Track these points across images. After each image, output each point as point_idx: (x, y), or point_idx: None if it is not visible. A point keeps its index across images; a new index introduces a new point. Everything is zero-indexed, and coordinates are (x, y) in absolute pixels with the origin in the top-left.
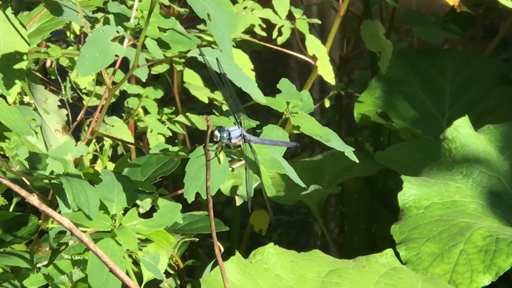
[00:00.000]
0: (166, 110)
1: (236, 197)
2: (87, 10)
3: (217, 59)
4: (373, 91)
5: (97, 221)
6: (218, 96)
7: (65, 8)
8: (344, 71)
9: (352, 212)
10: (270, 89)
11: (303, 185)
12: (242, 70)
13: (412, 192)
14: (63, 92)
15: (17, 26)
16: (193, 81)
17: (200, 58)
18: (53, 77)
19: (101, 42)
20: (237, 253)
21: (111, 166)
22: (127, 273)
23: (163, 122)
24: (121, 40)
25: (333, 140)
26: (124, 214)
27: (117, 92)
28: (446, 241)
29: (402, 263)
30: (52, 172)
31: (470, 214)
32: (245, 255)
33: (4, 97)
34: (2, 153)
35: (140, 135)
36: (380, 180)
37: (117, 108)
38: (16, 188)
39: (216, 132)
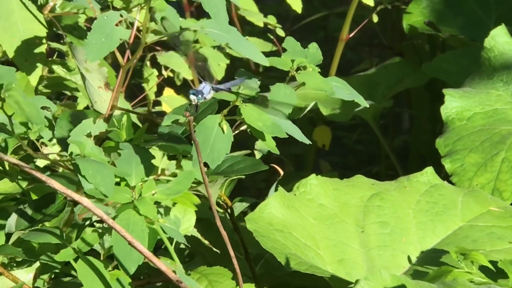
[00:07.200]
0: None
1: (255, 152)
2: None
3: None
4: (420, 1)
5: (118, 194)
6: (271, 20)
7: None
8: None
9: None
10: None
11: (308, 142)
12: (243, 37)
13: (454, 104)
14: None
15: (34, 12)
16: (247, 6)
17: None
18: None
19: (106, 28)
20: (280, 188)
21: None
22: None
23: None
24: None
25: (339, 91)
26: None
27: None
28: (488, 150)
29: (449, 176)
30: (71, 154)
31: (511, 121)
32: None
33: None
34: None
35: None
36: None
37: None
38: (37, 174)
39: (193, 97)
